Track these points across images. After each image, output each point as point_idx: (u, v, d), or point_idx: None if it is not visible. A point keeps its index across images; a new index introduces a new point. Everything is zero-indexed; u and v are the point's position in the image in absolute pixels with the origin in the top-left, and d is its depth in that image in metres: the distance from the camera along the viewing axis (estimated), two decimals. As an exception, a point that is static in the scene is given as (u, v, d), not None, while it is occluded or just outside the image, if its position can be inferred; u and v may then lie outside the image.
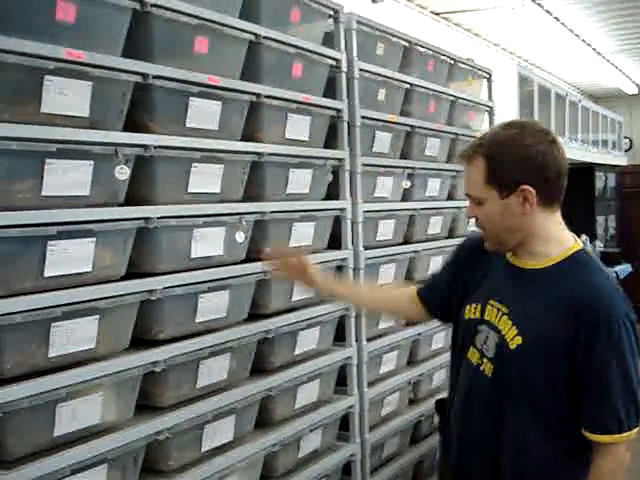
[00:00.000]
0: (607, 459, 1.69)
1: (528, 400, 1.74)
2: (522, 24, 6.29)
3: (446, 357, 3.63)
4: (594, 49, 7.36)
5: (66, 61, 1.78)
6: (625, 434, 1.67)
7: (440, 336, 3.62)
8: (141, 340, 2.08)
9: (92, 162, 1.87)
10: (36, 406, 1.73)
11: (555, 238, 1.78)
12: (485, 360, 1.81)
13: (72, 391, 1.81)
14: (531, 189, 1.69)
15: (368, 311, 2.24)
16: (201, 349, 2.18)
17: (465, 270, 1.96)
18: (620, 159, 8.95)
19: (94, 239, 1.88)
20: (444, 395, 3.49)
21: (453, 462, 1.94)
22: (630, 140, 10.26)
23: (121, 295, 1.94)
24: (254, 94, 2.39)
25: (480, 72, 4.15)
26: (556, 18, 6.12)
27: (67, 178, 1.81)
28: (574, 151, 6.91)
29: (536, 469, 1.76)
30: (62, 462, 1.77)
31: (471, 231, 2.05)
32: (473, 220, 1.84)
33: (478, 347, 1.84)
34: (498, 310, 1.79)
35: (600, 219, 8.17)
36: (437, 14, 6.02)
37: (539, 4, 5.68)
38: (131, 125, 2.02)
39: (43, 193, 1.77)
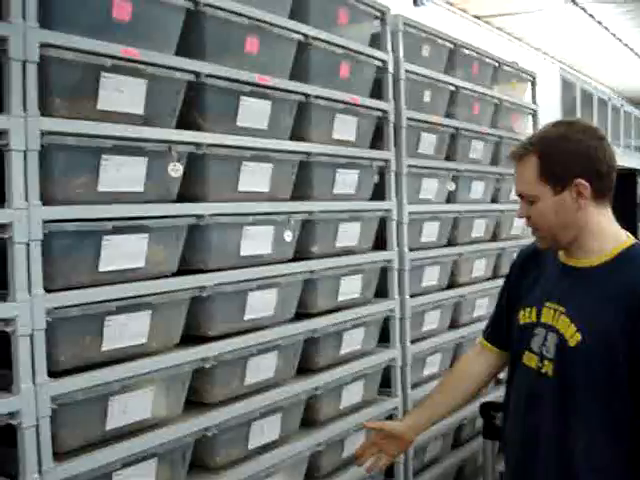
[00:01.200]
0: None
1: (593, 398, 1.70)
2: (563, 27, 6.23)
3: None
4: (635, 53, 7.26)
5: (122, 59, 1.80)
6: None
7: (483, 340, 3.60)
8: (191, 336, 2.09)
9: (146, 159, 1.89)
10: (90, 399, 1.75)
11: (608, 234, 1.76)
12: (546, 362, 1.78)
13: (125, 385, 1.83)
14: (585, 182, 1.68)
15: (464, 404, 2.18)
16: (250, 346, 2.19)
17: (519, 283, 1.95)
18: (663, 164, 8.79)
19: (147, 235, 1.90)
20: (489, 399, 3.50)
21: (513, 468, 1.92)
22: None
23: (173, 291, 1.96)
24: (303, 94, 2.40)
25: (524, 75, 4.12)
26: (599, 22, 6.05)
27: (122, 174, 1.84)
28: (616, 156, 6.81)
29: (605, 470, 1.71)
30: (113, 455, 1.79)
31: (520, 247, 2.02)
32: (523, 221, 1.83)
33: (535, 350, 1.81)
34: (555, 310, 1.78)
35: (642, 225, 8.04)
36: (478, 17, 5.99)
37: (582, 7, 5.62)
38: (184, 124, 2.04)
39: (99, 189, 1.80)
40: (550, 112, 4.84)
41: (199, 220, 2.04)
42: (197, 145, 2.02)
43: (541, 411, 1.80)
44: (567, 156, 1.70)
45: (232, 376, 2.18)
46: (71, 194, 1.75)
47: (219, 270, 2.13)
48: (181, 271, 2.04)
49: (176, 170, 1.96)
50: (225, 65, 2.11)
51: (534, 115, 4.21)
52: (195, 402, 2.12)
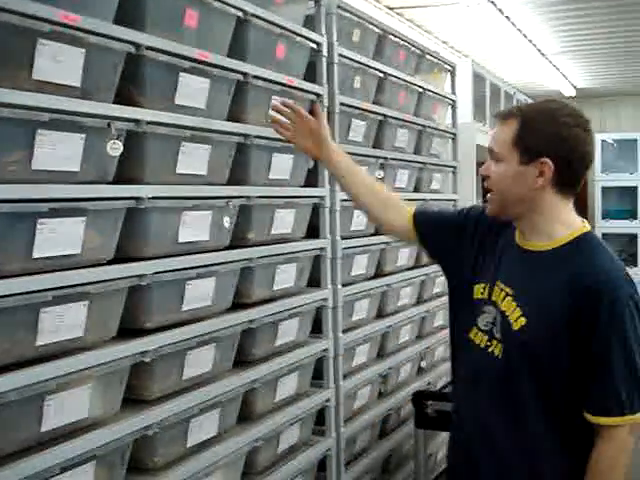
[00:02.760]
0: (608, 444, 1.67)
1: (535, 382, 1.71)
2: (472, 22, 6.32)
3: (412, 350, 3.62)
4: (539, 49, 7.47)
5: (61, 24, 1.64)
6: (627, 417, 1.65)
7: (407, 329, 3.60)
8: (126, 329, 1.95)
9: (84, 135, 1.73)
10: (24, 399, 1.59)
11: (562, 220, 1.75)
12: (495, 342, 1.77)
13: (61, 383, 1.68)
14: (550, 164, 1.67)
15: (358, 199, 2.10)
16: (189, 339, 2.07)
17: (470, 235, 1.90)
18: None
19: (84, 219, 1.74)
20: (419, 387, 3.50)
21: (459, 444, 1.91)
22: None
23: (112, 280, 1.82)
24: (241, 73, 2.28)
25: (445, 65, 4.13)
26: (507, 17, 6.18)
27: (58, 151, 1.67)
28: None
29: (546, 453, 1.72)
30: (52, 460, 1.64)
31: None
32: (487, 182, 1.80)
33: (482, 328, 1.81)
34: (502, 291, 1.77)
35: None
36: (391, 9, 5.98)
37: (492, 1, 5.71)
38: (120, 99, 1.89)
39: (33, 167, 1.63)
40: (462, 104, 4.88)
41: (138, 203, 1.89)
42: (137, 122, 1.88)
43: (487, 389, 1.80)
44: (544, 133, 1.69)
45: (171, 370, 2.05)
46: (3, 172, 1.57)
47: (157, 258, 1.99)
48: (116, 259, 1.89)
49: (115, 148, 1.81)
50: (165, 38, 1.97)
51: (453, 106, 4.24)
52: (131, 399, 1.98)
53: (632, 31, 7.17)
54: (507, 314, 1.74)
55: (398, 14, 6.19)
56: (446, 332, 4.02)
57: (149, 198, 1.92)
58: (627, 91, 10.22)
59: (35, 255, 1.63)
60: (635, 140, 9.06)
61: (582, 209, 9.42)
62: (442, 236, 1.98)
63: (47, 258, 1.66)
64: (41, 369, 1.63)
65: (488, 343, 1.79)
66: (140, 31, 1.90)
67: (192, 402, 2.09)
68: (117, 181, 1.88)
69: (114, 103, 1.86)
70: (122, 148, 1.82)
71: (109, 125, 1.78)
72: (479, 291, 1.83)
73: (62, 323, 1.70)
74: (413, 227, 2.02)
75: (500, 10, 6.01)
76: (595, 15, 6.56)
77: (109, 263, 1.86)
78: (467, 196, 4.56)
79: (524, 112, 1.73)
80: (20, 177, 1.60)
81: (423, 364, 3.77)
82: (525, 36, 6.89)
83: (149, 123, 1.92)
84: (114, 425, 1.83)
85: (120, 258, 1.91)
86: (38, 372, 1.62)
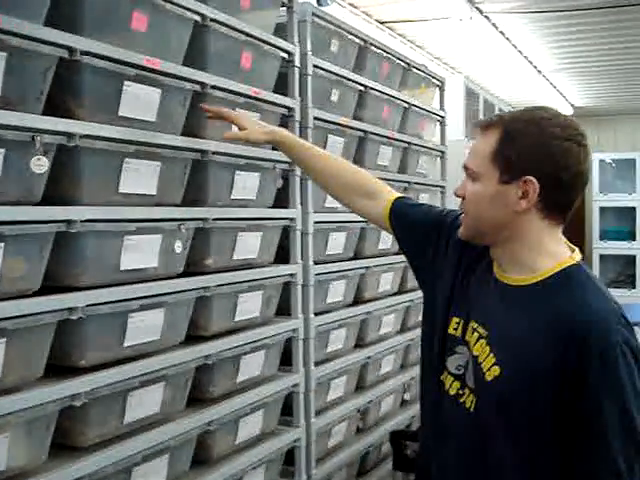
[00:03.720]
0: None
1: (512, 447, 1.44)
2: (465, 37, 6.14)
3: (395, 382, 3.39)
4: (535, 66, 7.29)
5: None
6: None
7: (389, 359, 3.37)
8: (58, 368, 1.73)
9: (3, 150, 1.52)
10: None
11: (547, 251, 1.48)
12: (467, 391, 1.51)
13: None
14: (536, 184, 1.41)
15: (320, 177, 1.93)
16: (130, 378, 1.85)
17: (452, 248, 1.63)
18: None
19: (2, 244, 1.53)
20: (402, 421, 3.26)
21: None
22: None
23: (35, 314, 1.59)
24: (198, 83, 2.08)
25: (433, 80, 3.93)
26: (501, 32, 6.00)
27: (-31, 168, 1.47)
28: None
29: None
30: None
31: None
32: (459, 201, 1.54)
33: (452, 371, 1.55)
34: (474, 331, 1.51)
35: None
36: (382, 23, 5.81)
37: (486, 16, 5.54)
38: (53, 110, 1.68)
39: (-63, 186, 1.42)
40: (453, 120, 4.70)
41: (69, 227, 1.68)
42: (69, 136, 1.67)
43: (454, 448, 1.54)
44: (530, 148, 1.42)
45: (109, 414, 1.83)
46: None
47: (94, 288, 1.77)
48: (46, 288, 1.68)
49: (40, 165, 1.59)
50: (107, 43, 1.76)
51: (442, 122, 4.04)
52: (64, 446, 1.76)
53: (630, 49, 7.00)
54: (480, 360, 1.47)
55: (389, 28, 6.02)
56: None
57: (82, 221, 1.70)
58: (624, 110, 10.05)
59: (-62, 287, 1.42)
60: (633, 160, 8.88)
61: (579, 230, 9.24)
62: (420, 241, 1.71)
63: (-46, 290, 1.45)
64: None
65: (460, 392, 1.53)
66: (77, 34, 1.69)
67: (134, 449, 1.86)
68: (46, 202, 1.66)
69: (47, 114, 1.65)
70: (47, 165, 1.61)
71: (33, 139, 1.57)
72: (452, 326, 1.56)
73: (-28, 364, 1.48)
74: (388, 222, 1.78)
75: (494, 25, 5.84)
76: (592, 32, 6.39)
77: (36, 294, 1.64)
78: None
79: (506, 121, 1.46)
80: None
81: (407, 396, 3.54)
82: (520, 52, 6.72)
83: (84, 137, 1.70)
84: (39, 478, 1.60)
85: (51, 287, 1.69)
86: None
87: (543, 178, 1.41)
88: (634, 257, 8.64)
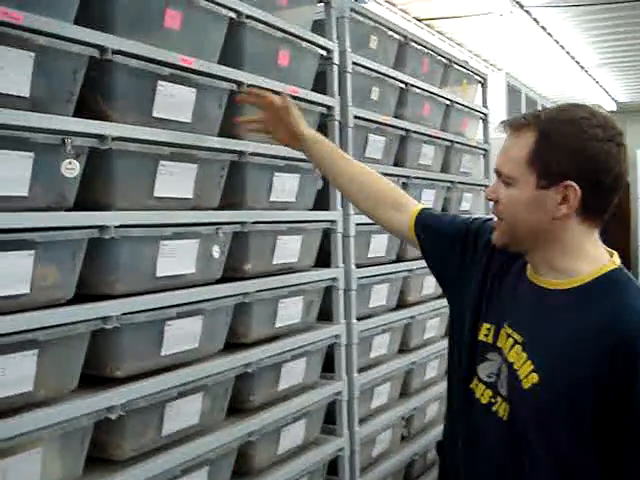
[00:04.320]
0: None
1: (548, 453, 1.35)
2: (506, 33, 6.02)
3: (440, 388, 3.28)
4: (577, 62, 7.13)
5: (2, 23, 1.38)
6: None
7: (433, 364, 3.26)
8: (93, 378, 1.67)
9: (32, 154, 1.47)
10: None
11: (587, 255, 1.40)
12: (500, 399, 1.43)
13: (6, 447, 1.40)
14: (577, 189, 1.33)
15: (343, 189, 1.90)
16: (168, 389, 1.78)
17: (479, 256, 1.56)
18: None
19: (33, 252, 1.47)
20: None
21: None
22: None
23: (68, 324, 1.53)
24: (235, 82, 2.01)
25: (475, 77, 3.82)
26: (543, 27, 5.86)
27: (2, 173, 1.41)
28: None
29: None
30: None
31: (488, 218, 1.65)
32: (492, 204, 1.46)
33: (484, 379, 1.47)
34: (509, 337, 1.42)
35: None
36: (419, 20, 5.71)
37: (527, 11, 5.41)
38: (84, 112, 1.62)
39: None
40: (495, 118, 4.56)
41: (103, 233, 1.61)
42: (101, 138, 1.61)
43: (486, 459, 1.46)
44: (569, 150, 1.33)
45: (147, 426, 1.76)
46: None
47: (129, 295, 1.71)
48: (80, 297, 1.62)
49: (71, 169, 1.53)
50: (140, 42, 1.70)
51: (484, 120, 3.91)
52: (100, 459, 1.70)
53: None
54: (516, 367, 1.39)
55: (427, 26, 5.93)
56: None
57: (116, 227, 1.64)
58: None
59: (-32, 297, 1.36)
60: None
61: (624, 229, 9.00)
62: (444, 251, 1.64)
63: (-15, 300, 1.39)
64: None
65: (492, 400, 1.45)
66: (108, 33, 1.63)
67: (172, 462, 1.79)
68: (79, 207, 1.61)
69: (78, 116, 1.59)
70: (79, 169, 1.55)
71: (63, 142, 1.51)
72: (483, 333, 1.49)
73: (4, 377, 1.42)
74: (413, 232, 1.70)
75: (535, 20, 5.71)
76: (634, 24, 6.21)
77: (69, 303, 1.58)
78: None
79: (542, 121, 1.36)
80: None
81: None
82: (562, 47, 6.58)
83: (116, 139, 1.64)
84: (73, 495, 1.55)
85: (85, 295, 1.63)
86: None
87: (584, 182, 1.33)
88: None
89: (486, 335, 1.49)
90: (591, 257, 1.40)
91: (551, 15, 5.66)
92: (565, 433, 1.33)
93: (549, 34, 6.08)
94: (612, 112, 9.51)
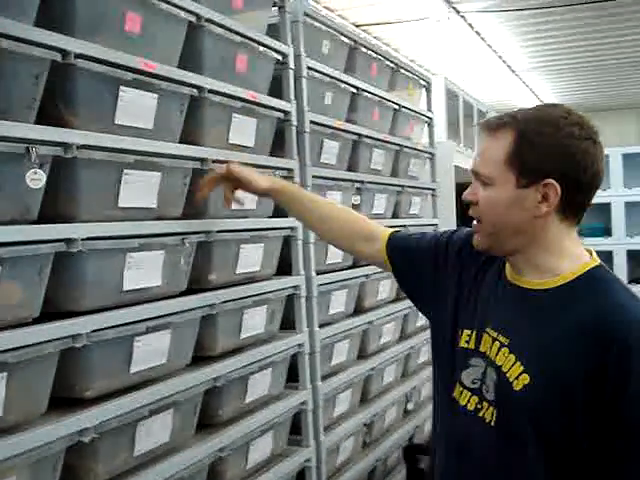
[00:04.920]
0: None
1: (542, 454, 1.35)
2: (442, 38, 6.10)
3: (398, 392, 3.28)
4: (509, 66, 7.29)
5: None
6: None
7: (391, 369, 3.25)
8: (60, 400, 1.58)
9: (-6, 164, 1.38)
10: None
11: (567, 252, 1.41)
12: (485, 404, 1.42)
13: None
14: (557, 186, 1.34)
15: (319, 226, 1.90)
16: (140, 407, 1.70)
17: (451, 266, 1.58)
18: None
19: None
20: (401, 437, 3.15)
21: None
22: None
23: (38, 344, 1.45)
24: (196, 87, 1.95)
25: (420, 81, 3.84)
26: (477, 32, 5.96)
27: (-40, 185, 1.32)
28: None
29: None
30: None
31: (462, 227, 1.67)
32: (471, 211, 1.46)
33: (468, 385, 1.46)
34: (494, 340, 1.42)
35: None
36: (358, 26, 5.72)
37: (462, 16, 5.49)
38: (43, 119, 1.53)
39: None
40: (436, 123, 4.61)
41: (70, 246, 1.53)
42: (66, 146, 1.53)
43: (477, 466, 1.45)
44: (549, 148, 1.34)
45: (119, 447, 1.68)
46: None
47: (95, 312, 1.63)
48: (43, 315, 1.53)
49: (37, 180, 1.45)
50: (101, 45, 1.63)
51: (429, 124, 3.94)
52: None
53: (599, 47, 7.04)
54: (504, 370, 1.39)
55: (365, 31, 5.95)
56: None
57: (83, 239, 1.56)
58: (593, 107, 10.11)
59: None
60: (607, 155, 8.91)
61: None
62: (418, 269, 1.65)
63: (-52, 322, 1.30)
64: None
65: (478, 406, 1.44)
66: (69, 36, 1.55)
67: (146, 484, 1.72)
68: (42, 220, 1.52)
69: (37, 123, 1.51)
70: (44, 179, 1.47)
71: (28, 150, 1.43)
72: (463, 339, 1.49)
73: (-29, 403, 1.33)
74: (387, 258, 1.72)
75: (470, 25, 5.80)
76: (564, 29, 6.39)
77: (35, 322, 1.50)
78: (448, 219, 4.25)
79: (520, 121, 1.37)
80: None
81: (410, 406, 3.43)
82: (495, 52, 6.72)
83: (81, 147, 1.56)
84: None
85: (49, 314, 1.55)
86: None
87: (563, 180, 1.35)
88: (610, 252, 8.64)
89: (467, 341, 1.48)
90: (572, 255, 1.41)
91: (485, 20, 5.77)
92: (558, 432, 1.33)
93: (482, 39, 6.19)
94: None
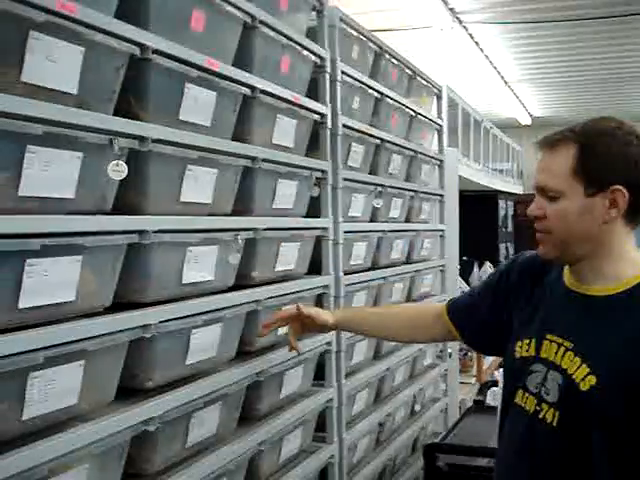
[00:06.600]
0: None
1: (606, 453, 1.41)
2: (444, 47, 6.17)
3: (407, 393, 3.33)
4: (502, 76, 7.40)
5: (56, 14, 1.31)
6: None
7: (401, 370, 3.30)
8: (123, 389, 1.60)
9: (81, 154, 1.40)
10: None
11: (629, 258, 1.49)
12: (545, 406, 1.48)
13: (52, 467, 1.32)
14: (625, 192, 1.42)
15: (387, 332, 2.06)
16: (197, 398, 1.73)
17: (517, 294, 1.66)
18: (518, 187, 9.08)
19: (81, 257, 1.40)
20: (409, 437, 3.19)
21: None
22: (521, 170, 10.48)
23: (112, 333, 1.47)
24: (249, 86, 1.98)
25: (434, 89, 3.90)
26: (476, 42, 6.05)
27: (50, 173, 1.33)
28: (481, 177, 6.88)
29: None
30: None
31: (519, 254, 1.75)
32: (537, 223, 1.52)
33: (532, 390, 1.52)
34: (559, 345, 1.49)
35: (502, 246, 8.22)
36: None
37: (464, 26, 5.57)
38: (118, 112, 1.56)
39: (20, 192, 1.29)
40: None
41: (142, 238, 1.56)
42: (142, 139, 1.55)
43: (538, 466, 1.50)
44: (612, 156, 1.43)
45: (175, 438, 1.71)
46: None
47: (158, 303, 1.65)
48: (114, 305, 1.55)
49: (119, 171, 1.47)
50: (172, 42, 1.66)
51: (440, 131, 4.01)
52: (128, 474, 1.62)
53: (586, 62, 7.17)
54: (570, 372, 1.45)
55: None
56: (437, 370, 3.77)
57: (154, 232, 1.58)
58: (579, 120, 10.27)
59: (22, 305, 1.28)
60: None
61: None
62: (483, 318, 1.75)
63: (35, 308, 1.31)
64: (26, 453, 1.27)
65: (537, 408, 1.50)
66: (144, 30, 1.58)
67: (196, 476, 1.74)
68: (115, 211, 1.55)
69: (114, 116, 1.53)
70: (126, 170, 1.49)
71: (111, 142, 1.45)
72: (522, 348, 1.56)
73: (52, 389, 1.35)
74: (454, 329, 1.83)
75: (471, 35, 5.88)
76: (555, 43, 6.51)
77: (108, 311, 1.52)
78: (452, 226, 4.32)
79: (580, 135, 1.46)
80: (4, 206, 1.26)
81: (417, 407, 3.48)
82: (491, 62, 6.81)
83: (155, 141, 1.59)
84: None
85: (117, 304, 1.57)
86: (28, 455, 1.26)
87: (629, 185, 1.43)
88: None
89: (527, 350, 1.55)
90: (633, 260, 1.49)
91: (484, 31, 5.86)
92: (624, 430, 1.39)
93: (481, 49, 6.28)
94: (527, 126, 9.91)
